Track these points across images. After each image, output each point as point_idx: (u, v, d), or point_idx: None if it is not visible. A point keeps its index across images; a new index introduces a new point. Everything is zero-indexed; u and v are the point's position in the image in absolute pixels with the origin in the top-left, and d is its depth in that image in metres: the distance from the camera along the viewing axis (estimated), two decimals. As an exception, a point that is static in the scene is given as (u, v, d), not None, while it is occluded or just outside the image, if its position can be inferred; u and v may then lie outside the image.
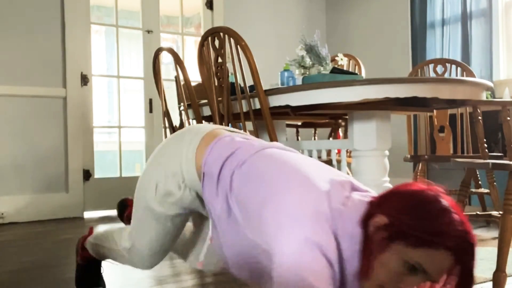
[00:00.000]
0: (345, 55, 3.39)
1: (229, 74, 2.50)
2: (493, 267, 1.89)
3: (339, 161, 2.90)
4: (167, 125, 3.17)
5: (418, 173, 3.44)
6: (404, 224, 1.07)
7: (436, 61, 3.67)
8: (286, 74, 2.71)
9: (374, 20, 5.03)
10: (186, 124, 3.13)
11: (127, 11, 4.86)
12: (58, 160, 4.10)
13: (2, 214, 3.85)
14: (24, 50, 4.00)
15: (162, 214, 1.43)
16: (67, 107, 4.15)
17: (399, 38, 4.75)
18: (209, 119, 3.00)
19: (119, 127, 4.55)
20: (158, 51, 3.05)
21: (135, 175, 4.90)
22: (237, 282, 2.04)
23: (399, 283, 1.08)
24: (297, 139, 3.80)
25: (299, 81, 2.64)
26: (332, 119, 3.32)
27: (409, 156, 3.48)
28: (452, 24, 4.18)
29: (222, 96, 2.46)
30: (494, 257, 1.96)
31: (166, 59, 4.27)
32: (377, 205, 1.14)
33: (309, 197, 1.14)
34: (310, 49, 2.64)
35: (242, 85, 2.38)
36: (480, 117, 2.70)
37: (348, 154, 3.27)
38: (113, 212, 4.30)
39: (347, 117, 2.91)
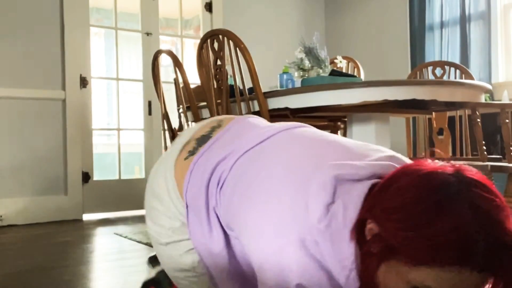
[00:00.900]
0: (344, 58, 3.40)
1: (228, 77, 2.51)
2: (492, 269, 1.89)
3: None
4: (166, 127, 3.17)
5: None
6: (391, 235, 0.82)
7: (435, 64, 3.68)
8: (285, 76, 2.71)
9: (373, 22, 5.04)
10: (185, 126, 3.13)
11: (126, 13, 4.86)
12: (57, 162, 4.10)
13: (1, 216, 3.84)
14: (23, 52, 4.00)
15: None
16: (66, 110, 4.15)
17: (398, 40, 4.76)
18: (208, 121, 2.99)
19: (118, 130, 4.55)
20: (157, 53, 3.05)
21: (134, 177, 4.90)
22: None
23: None
24: (296, 142, 3.79)
25: (298, 84, 2.64)
26: (331, 121, 3.32)
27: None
28: (450, 26, 4.19)
29: (221, 98, 2.47)
30: (493, 259, 1.96)
31: (165, 61, 4.27)
32: (369, 205, 0.89)
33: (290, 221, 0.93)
34: (309, 52, 2.64)
35: (241, 87, 2.39)
36: (479, 120, 2.70)
37: (347, 156, 3.27)
38: (112, 215, 4.30)
39: (346, 119, 2.91)
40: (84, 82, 4.26)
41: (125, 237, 3.19)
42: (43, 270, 2.39)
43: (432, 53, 4.33)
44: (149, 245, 2.81)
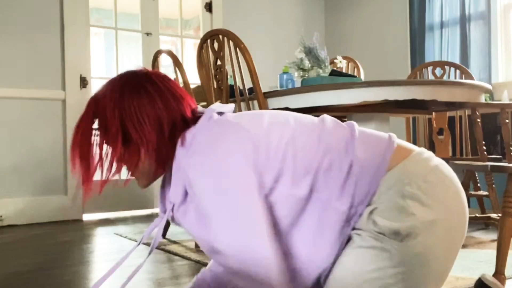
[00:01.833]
0: (344, 58, 3.40)
1: (228, 77, 2.51)
2: (492, 269, 1.90)
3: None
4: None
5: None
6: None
7: (435, 64, 3.68)
8: (285, 76, 2.72)
9: (373, 22, 5.04)
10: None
11: (126, 13, 4.86)
12: (57, 162, 4.10)
13: (1, 216, 3.84)
14: (23, 52, 4.00)
15: None
16: (66, 110, 4.15)
17: (398, 40, 4.76)
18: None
19: (118, 130, 4.54)
20: (157, 53, 3.05)
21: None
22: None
23: None
24: (296, 142, 3.80)
25: (298, 84, 2.65)
26: (331, 121, 3.32)
27: (408, 158, 3.47)
28: (450, 26, 4.19)
29: (221, 98, 2.47)
30: (493, 259, 1.97)
31: (165, 61, 4.26)
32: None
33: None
34: (309, 52, 2.64)
35: (241, 87, 2.39)
36: (479, 120, 2.70)
37: (347, 156, 3.27)
38: (112, 215, 4.30)
39: (346, 119, 2.91)
40: (84, 82, 4.27)
41: (125, 237, 3.19)
42: (43, 270, 2.39)
43: (432, 53, 4.33)
44: (149, 245, 2.81)
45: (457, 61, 4.07)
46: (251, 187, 1.12)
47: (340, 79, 2.42)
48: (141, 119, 1.21)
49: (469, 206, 3.76)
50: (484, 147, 2.83)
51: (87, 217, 4.19)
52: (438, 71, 3.66)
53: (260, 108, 2.32)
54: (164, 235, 3.01)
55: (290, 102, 2.34)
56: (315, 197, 1.15)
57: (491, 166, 1.79)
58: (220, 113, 1.26)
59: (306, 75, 2.65)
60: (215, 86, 2.50)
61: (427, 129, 3.71)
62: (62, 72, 4.16)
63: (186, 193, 1.21)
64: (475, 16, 4.02)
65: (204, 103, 2.83)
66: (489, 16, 3.95)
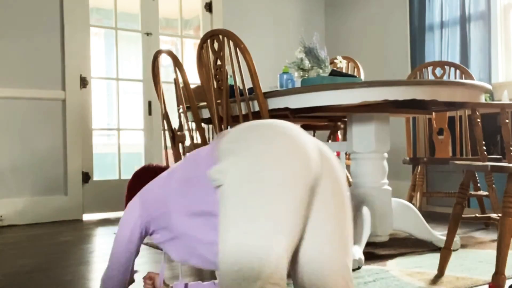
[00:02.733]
0: (344, 58, 3.40)
1: (228, 77, 2.51)
2: (492, 269, 1.90)
3: (338, 164, 2.90)
4: (166, 127, 3.17)
5: (417, 176, 3.44)
6: None
7: (435, 64, 3.68)
8: (285, 76, 2.72)
9: (373, 22, 5.04)
10: (185, 126, 3.12)
11: (126, 13, 4.86)
12: (57, 162, 4.10)
13: (1, 216, 3.84)
14: (23, 52, 4.00)
15: None
16: (66, 110, 4.15)
17: (398, 40, 4.76)
18: (208, 121, 3.00)
19: (118, 130, 4.55)
20: (157, 53, 3.05)
21: (134, 177, 4.89)
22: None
23: None
24: (296, 142, 3.79)
25: (298, 84, 2.65)
26: (331, 121, 3.33)
27: (408, 158, 3.48)
28: (450, 26, 4.19)
29: (221, 98, 2.47)
30: (493, 259, 1.97)
31: (165, 61, 4.26)
32: None
33: None
34: (309, 52, 2.64)
35: (241, 87, 2.39)
36: (479, 120, 2.70)
37: (347, 156, 3.28)
38: (112, 215, 4.30)
39: (346, 119, 2.91)
40: (84, 82, 4.26)
41: (125, 237, 3.19)
42: (43, 270, 2.39)
43: (432, 53, 4.33)
44: (149, 245, 2.81)
45: (457, 61, 4.07)
46: None
47: (340, 79, 2.42)
48: None
49: (469, 206, 3.77)
50: (484, 147, 2.83)
51: (87, 217, 4.19)
52: (438, 71, 3.66)
53: (260, 107, 2.32)
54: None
55: (290, 102, 2.34)
56: None
57: (491, 166, 1.79)
58: None
59: (306, 75, 2.65)
60: (215, 86, 2.50)
61: (427, 129, 3.71)
62: (62, 72, 4.16)
63: None
64: (475, 16, 4.02)
65: (204, 103, 2.83)
66: (489, 16, 3.95)
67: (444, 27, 4.23)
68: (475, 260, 2.35)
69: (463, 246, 2.69)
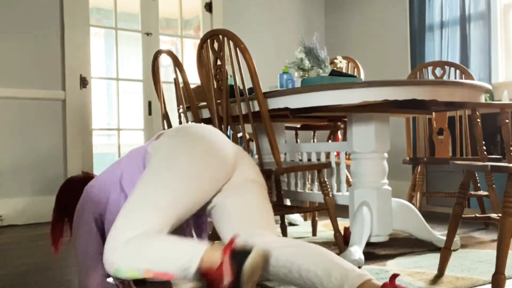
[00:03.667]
0: (344, 58, 3.40)
1: (228, 77, 2.51)
2: (492, 269, 1.90)
3: (338, 164, 2.90)
4: (166, 127, 3.16)
5: (417, 176, 3.44)
6: None
7: (435, 64, 3.68)
8: (285, 76, 2.71)
9: (373, 22, 5.04)
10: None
11: (126, 13, 4.86)
12: (57, 162, 4.10)
13: (1, 216, 3.84)
14: (23, 52, 4.00)
15: None
16: (66, 110, 4.15)
17: (398, 40, 4.76)
18: (208, 121, 3.00)
19: (118, 130, 4.55)
20: (157, 53, 3.05)
21: (134, 177, 4.89)
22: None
23: None
24: (296, 142, 3.80)
25: (298, 84, 2.65)
26: (331, 121, 3.33)
27: (408, 158, 3.48)
28: (450, 26, 4.19)
29: (221, 98, 2.47)
30: (493, 259, 1.97)
31: (165, 61, 4.26)
32: None
33: None
34: (309, 52, 2.64)
35: (241, 87, 2.38)
36: (479, 120, 2.70)
37: (347, 156, 3.28)
38: (112, 215, 4.29)
39: (346, 119, 2.91)
40: (84, 82, 4.26)
41: (125, 237, 3.19)
42: (43, 270, 2.39)
43: (432, 53, 4.33)
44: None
45: (457, 61, 4.07)
46: None
47: (340, 79, 2.42)
48: None
49: (469, 206, 3.77)
50: (484, 147, 2.83)
51: (87, 217, 4.18)
52: (438, 71, 3.66)
53: (260, 107, 2.32)
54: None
55: (290, 102, 2.34)
56: None
57: (491, 166, 1.78)
58: None
59: (306, 75, 2.65)
60: (215, 86, 2.49)
61: (427, 129, 3.71)
62: (62, 72, 4.16)
63: None
64: (475, 16, 4.02)
65: (204, 103, 2.83)
66: (489, 16, 3.95)
67: (444, 27, 4.23)
68: (475, 260, 2.35)
69: (463, 246, 2.69)
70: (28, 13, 4.02)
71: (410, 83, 2.24)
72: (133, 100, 4.79)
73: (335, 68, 2.88)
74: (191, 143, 1.65)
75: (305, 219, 3.73)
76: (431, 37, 4.35)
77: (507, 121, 2.69)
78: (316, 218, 3.12)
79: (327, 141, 3.74)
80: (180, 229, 1.73)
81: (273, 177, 2.85)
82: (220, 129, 2.52)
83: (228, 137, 2.51)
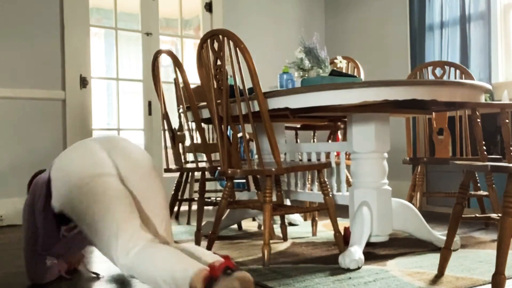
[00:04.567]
0: (344, 58, 3.40)
1: (228, 77, 2.51)
2: (492, 269, 1.90)
3: (338, 164, 2.91)
4: (166, 127, 3.17)
5: (417, 176, 3.44)
6: None
7: (435, 64, 3.68)
8: (285, 76, 2.71)
9: (373, 22, 5.04)
10: (185, 126, 3.12)
11: (126, 13, 4.86)
12: (57, 162, 4.09)
13: (1, 216, 3.84)
14: (23, 52, 4.00)
15: None
16: (66, 110, 4.15)
17: (398, 40, 4.76)
18: (208, 121, 3.00)
19: (118, 130, 4.55)
20: (157, 53, 3.05)
21: (134, 177, 4.89)
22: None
23: None
24: (296, 142, 3.80)
25: (298, 84, 2.65)
26: (331, 121, 3.33)
27: (408, 158, 3.48)
28: (451, 26, 4.19)
29: (221, 98, 2.47)
30: (493, 259, 1.97)
31: (165, 61, 4.27)
32: None
33: None
34: (309, 52, 2.64)
35: (241, 87, 2.39)
36: (479, 120, 2.70)
37: (347, 156, 3.27)
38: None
39: (346, 119, 2.91)
40: (84, 82, 4.26)
41: (125, 237, 3.19)
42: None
43: (432, 53, 4.33)
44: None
45: (457, 61, 4.07)
46: None
47: (340, 79, 2.42)
48: None
49: (469, 206, 3.77)
50: (484, 147, 2.83)
51: (87, 217, 4.18)
52: (438, 71, 3.66)
53: (260, 107, 2.32)
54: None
55: (290, 102, 2.34)
56: None
57: (491, 166, 1.78)
58: None
59: (306, 75, 2.65)
60: (215, 86, 2.50)
61: (427, 129, 3.71)
62: (62, 72, 4.16)
63: None
64: (475, 16, 4.02)
65: (204, 103, 2.83)
66: (489, 16, 3.95)
67: (444, 27, 4.23)
68: (475, 260, 2.35)
69: (463, 246, 2.69)
70: (28, 13, 4.02)
71: (410, 83, 2.24)
72: (133, 100, 4.79)
73: (335, 68, 2.88)
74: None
75: (305, 219, 3.73)
76: (431, 37, 4.35)
77: (507, 121, 2.69)
78: (316, 218, 3.12)
79: (327, 141, 3.74)
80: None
81: (273, 177, 2.85)
82: (220, 129, 2.52)
83: (228, 137, 2.52)
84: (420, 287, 1.92)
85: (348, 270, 2.21)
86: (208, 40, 2.46)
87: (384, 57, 4.88)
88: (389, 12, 4.86)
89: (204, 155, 3.20)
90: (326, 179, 2.58)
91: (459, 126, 3.60)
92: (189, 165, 3.17)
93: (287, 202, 3.34)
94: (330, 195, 2.56)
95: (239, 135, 3.43)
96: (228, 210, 3.08)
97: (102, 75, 5.02)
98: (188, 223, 3.76)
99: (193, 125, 3.24)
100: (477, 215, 2.84)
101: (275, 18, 5.28)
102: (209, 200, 3.52)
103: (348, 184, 3.27)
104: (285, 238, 2.96)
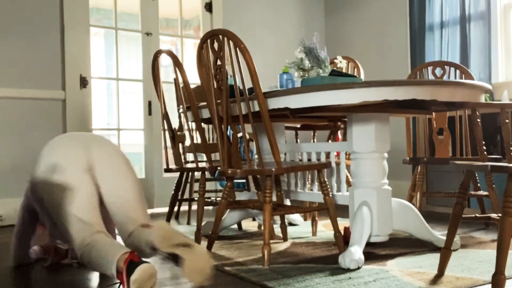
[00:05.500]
0: (344, 58, 3.40)
1: (228, 77, 2.51)
2: (492, 269, 1.90)
3: (338, 164, 2.91)
4: (166, 127, 3.17)
5: (417, 176, 3.44)
6: None
7: (435, 64, 3.68)
8: (285, 76, 2.72)
9: (373, 22, 5.04)
10: (185, 126, 3.13)
11: (126, 13, 4.86)
12: (57, 162, 4.09)
13: (1, 216, 3.84)
14: (23, 52, 4.00)
15: None
16: (66, 110, 4.15)
17: (398, 40, 4.76)
18: (208, 121, 3.00)
19: (118, 130, 4.55)
20: (157, 53, 3.05)
21: (134, 177, 4.90)
22: (236, 285, 2.04)
23: None
24: (296, 142, 3.80)
25: (298, 84, 2.65)
26: (331, 121, 3.33)
27: (408, 158, 3.48)
28: (451, 26, 4.19)
29: (221, 98, 2.47)
30: (493, 259, 1.97)
31: (165, 61, 4.27)
32: None
33: None
34: (309, 52, 2.64)
35: (241, 87, 2.39)
36: (479, 120, 2.70)
37: (347, 156, 3.27)
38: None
39: (346, 119, 2.91)
40: (84, 82, 4.27)
41: (125, 237, 3.19)
42: (43, 270, 2.38)
43: (432, 53, 4.33)
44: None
45: (457, 61, 4.07)
46: None
47: (340, 79, 2.42)
48: None
49: (469, 206, 3.77)
50: (484, 147, 2.83)
51: (87, 217, 4.18)
52: (438, 71, 3.66)
53: (260, 107, 2.32)
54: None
55: (290, 102, 2.34)
56: None
57: (491, 166, 1.79)
58: None
59: (306, 75, 2.65)
60: (215, 86, 2.50)
61: (427, 129, 3.71)
62: (62, 72, 4.16)
63: None
64: (475, 16, 4.02)
65: (204, 103, 2.83)
66: (489, 16, 3.95)
67: (444, 27, 4.23)
68: (475, 260, 2.35)
69: (463, 246, 2.69)
70: (28, 13, 4.02)
71: (410, 83, 2.24)
72: (133, 100, 4.79)
73: (335, 68, 2.88)
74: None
75: (305, 219, 3.73)
76: (431, 37, 4.35)
77: (507, 121, 2.69)
78: (316, 218, 3.12)
79: (327, 141, 3.74)
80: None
81: (273, 177, 2.85)
82: (220, 129, 2.52)
83: (228, 137, 2.52)
84: (420, 287, 1.92)
85: (348, 270, 2.21)
86: (208, 40, 2.46)
87: (384, 57, 4.88)
88: (389, 12, 4.86)
89: (204, 155, 3.20)
90: (326, 179, 2.58)
91: (459, 126, 3.60)
92: (189, 165, 3.17)
93: (287, 202, 3.34)
94: (330, 195, 2.56)
95: (239, 135, 3.43)
96: (228, 210, 3.08)
97: (102, 75, 5.02)
98: (188, 223, 3.76)
99: (193, 125, 3.24)
100: (477, 215, 2.84)
101: (275, 18, 5.28)
102: (209, 200, 3.52)
103: (348, 184, 3.27)
104: (285, 238, 2.96)
